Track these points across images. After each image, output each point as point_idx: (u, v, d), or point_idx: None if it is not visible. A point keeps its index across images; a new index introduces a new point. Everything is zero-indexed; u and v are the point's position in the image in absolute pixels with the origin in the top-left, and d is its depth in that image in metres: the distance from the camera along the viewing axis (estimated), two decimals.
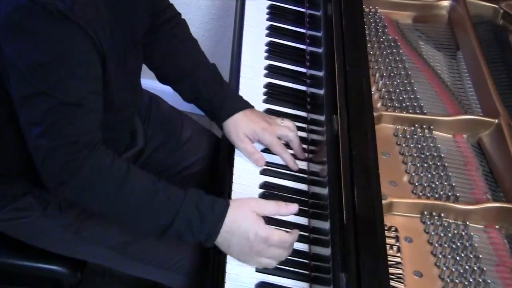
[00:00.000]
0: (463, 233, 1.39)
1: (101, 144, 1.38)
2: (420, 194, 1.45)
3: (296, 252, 1.45)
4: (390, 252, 1.34)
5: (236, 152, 1.61)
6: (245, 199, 1.45)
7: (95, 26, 1.32)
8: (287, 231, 1.42)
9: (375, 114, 1.51)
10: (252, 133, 1.61)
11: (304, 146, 1.65)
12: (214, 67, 1.71)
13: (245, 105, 1.66)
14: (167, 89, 1.76)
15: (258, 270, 1.42)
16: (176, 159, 1.79)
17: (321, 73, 1.64)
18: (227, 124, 1.64)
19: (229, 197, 1.51)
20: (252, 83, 1.77)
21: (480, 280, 1.32)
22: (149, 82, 2.08)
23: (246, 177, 1.57)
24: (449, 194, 1.45)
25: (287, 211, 1.45)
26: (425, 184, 1.46)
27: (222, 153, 1.66)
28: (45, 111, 1.32)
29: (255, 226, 1.39)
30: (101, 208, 1.42)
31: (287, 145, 1.63)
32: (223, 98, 1.65)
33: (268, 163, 1.61)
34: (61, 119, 1.33)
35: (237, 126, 1.62)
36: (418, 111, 1.60)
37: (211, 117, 1.69)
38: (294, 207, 1.44)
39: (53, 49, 1.30)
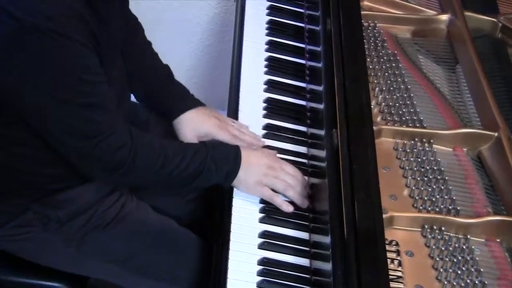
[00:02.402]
0: (464, 247, 1.39)
1: (131, 127, 1.47)
2: (421, 208, 1.45)
3: (297, 267, 1.45)
4: (391, 266, 1.34)
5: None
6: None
7: (84, 34, 1.35)
8: None
9: (375, 128, 1.51)
10: (205, 133, 1.67)
11: (305, 160, 1.65)
12: (167, 68, 1.76)
13: (195, 104, 1.72)
14: None
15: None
16: None
17: (320, 88, 1.64)
18: (177, 122, 1.69)
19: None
20: (252, 98, 1.78)
21: None
22: None
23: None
24: (450, 207, 1.44)
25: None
26: (426, 198, 1.46)
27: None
28: (72, 119, 1.38)
29: (263, 151, 1.61)
30: (148, 181, 1.55)
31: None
32: (173, 98, 1.71)
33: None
34: (89, 119, 1.40)
35: (187, 124, 1.69)
36: (418, 125, 1.60)
37: (162, 115, 1.74)
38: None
39: (56, 64, 1.33)
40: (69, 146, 1.43)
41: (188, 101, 1.72)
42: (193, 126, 1.68)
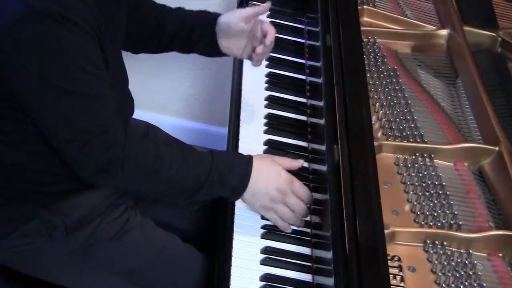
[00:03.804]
0: (466, 262, 1.39)
1: (127, 128, 1.46)
2: (423, 223, 1.45)
3: (299, 282, 1.45)
4: (393, 282, 1.33)
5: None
6: (265, 155, 1.61)
7: (91, 22, 1.37)
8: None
9: (375, 143, 1.51)
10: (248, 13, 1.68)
11: (306, 175, 1.65)
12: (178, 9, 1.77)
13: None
14: (165, 121, 1.77)
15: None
16: None
17: (321, 103, 1.64)
18: (218, 25, 1.69)
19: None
20: (253, 114, 1.78)
21: None
22: (146, 113, 2.09)
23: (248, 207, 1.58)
24: (452, 222, 1.44)
25: (295, 165, 1.57)
26: (427, 213, 1.46)
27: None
28: (68, 109, 1.38)
29: (279, 169, 1.53)
30: (142, 186, 1.50)
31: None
32: (201, 17, 1.73)
33: None
34: (85, 112, 1.39)
35: (228, 15, 1.70)
36: (418, 140, 1.60)
37: (204, 33, 1.73)
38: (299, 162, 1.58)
39: (60, 50, 1.35)
40: (63, 140, 1.42)
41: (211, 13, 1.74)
42: (234, 14, 1.69)
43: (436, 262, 1.39)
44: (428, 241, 1.42)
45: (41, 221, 1.56)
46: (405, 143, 1.58)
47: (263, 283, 1.44)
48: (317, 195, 1.56)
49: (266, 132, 1.75)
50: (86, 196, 1.58)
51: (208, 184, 1.48)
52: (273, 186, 1.51)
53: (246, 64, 1.90)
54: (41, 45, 1.33)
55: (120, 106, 1.52)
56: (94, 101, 1.40)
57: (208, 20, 1.72)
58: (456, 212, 1.46)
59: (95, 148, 1.41)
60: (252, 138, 1.72)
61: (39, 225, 1.56)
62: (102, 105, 1.41)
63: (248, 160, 1.52)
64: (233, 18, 1.68)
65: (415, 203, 1.48)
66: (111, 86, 1.44)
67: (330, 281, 1.31)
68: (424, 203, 1.48)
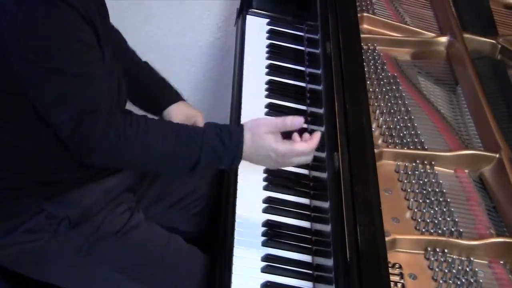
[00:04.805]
0: (467, 269, 1.39)
1: (116, 108, 1.48)
2: (423, 230, 1.45)
3: None
4: None
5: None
6: (256, 123, 1.49)
7: (85, 8, 1.39)
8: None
9: (376, 150, 1.51)
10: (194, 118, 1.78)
11: (307, 183, 1.65)
12: (147, 64, 1.81)
13: (178, 97, 1.80)
14: None
15: None
16: (174, 188, 1.80)
17: (321, 111, 1.64)
18: (166, 113, 1.78)
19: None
20: None
21: None
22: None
23: (248, 214, 1.58)
24: (452, 229, 1.44)
25: (292, 124, 1.48)
26: (428, 220, 1.46)
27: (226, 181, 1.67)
28: (59, 88, 1.40)
29: (272, 145, 1.47)
30: (133, 164, 1.51)
31: None
32: (159, 91, 1.79)
33: (270, 200, 1.61)
34: (76, 91, 1.41)
35: (174, 113, 1.77)
36: (419, 147, 1.60)
37: (148, 109, 1.79)
38: (300, 119, 1.49)
39: (52, 29, 1.37)
40: (56, 119, 1.43)
41: (172, 96, 1.79)
42: (183, 113, 1.76)
43: (437, 269, 1.39)
44: (429, 249, 1.41)
45: (45, 216, 1.56)
46: (405, 150, 1.58)
47: None
48: (318, 202, 1.56)
49: None
50: (89, 189, 1.59)
51: (201, 164, 1.47)
52: (269, 159, 1.48)
53: (247, 71, 1.90)
54: (34, 23, 1.35)
55: (113, 96, 1.53)
56: (84, 78, 1.41)
57: (159, 99, 1.79)
58: (456, 219, 1.46)
59: (83, 126, 1.42)
60: None
61: (43, 220, 1.56)
62: (93, 83, 1.42)
63: (238, 141, 1.48)
64: (175, 117, 1.76)
65: (415, 210, 1.48)
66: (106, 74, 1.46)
67: None
68: (424, 210, 1.48)
